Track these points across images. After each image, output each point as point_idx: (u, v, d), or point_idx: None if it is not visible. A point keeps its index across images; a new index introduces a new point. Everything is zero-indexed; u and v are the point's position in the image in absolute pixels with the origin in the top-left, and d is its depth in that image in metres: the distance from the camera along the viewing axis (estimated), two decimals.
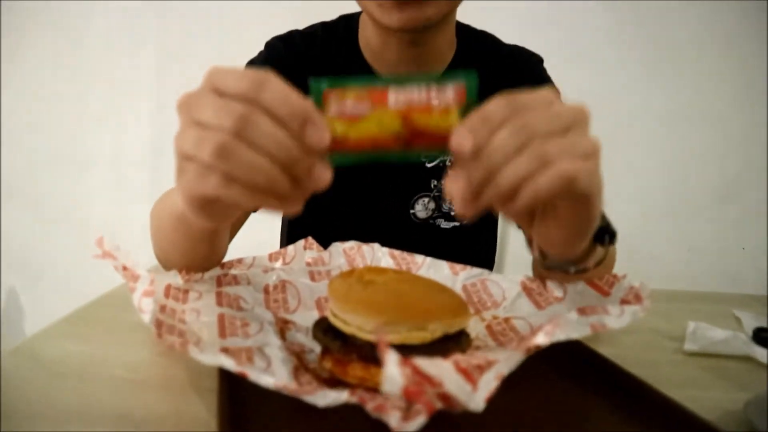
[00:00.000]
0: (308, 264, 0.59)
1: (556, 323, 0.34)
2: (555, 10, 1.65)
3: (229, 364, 0.34)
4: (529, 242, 0.51)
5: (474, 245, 0.88)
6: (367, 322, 0.39)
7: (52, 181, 1.86)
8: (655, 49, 1.67)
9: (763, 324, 0.63)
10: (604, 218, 0.48)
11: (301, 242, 0.62)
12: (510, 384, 0.37)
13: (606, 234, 0.48)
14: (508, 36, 0.86)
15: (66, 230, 1.88)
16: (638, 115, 1.70)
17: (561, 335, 0.33)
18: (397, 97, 0.35)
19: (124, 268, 0.44)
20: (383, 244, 0.64)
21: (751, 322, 0.64)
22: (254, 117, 0.32)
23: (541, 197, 0.33)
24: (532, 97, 0.35)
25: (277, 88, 0.32)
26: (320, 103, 0.35)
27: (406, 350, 0.37)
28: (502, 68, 0.79)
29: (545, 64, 0.86)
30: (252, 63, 0.78)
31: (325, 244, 0.64)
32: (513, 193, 0.33)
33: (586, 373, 0.43)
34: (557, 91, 0.84)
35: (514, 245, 1.13)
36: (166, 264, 0.59)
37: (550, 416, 0.38)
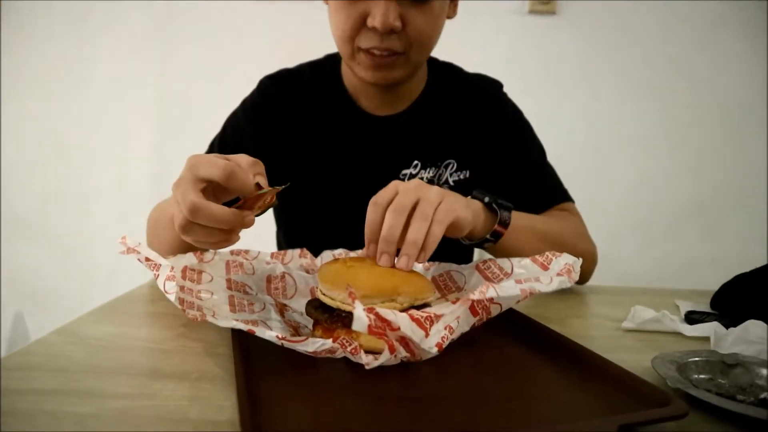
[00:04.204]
0: (302, 266, 0.69)
1: (490, 285, 0.43)
2: (537, 47, 1.80)
3: (241, 325, 0.43)
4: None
5: (449, 253, 0.98)
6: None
7: (58, 214, 1.97)
8: (627, 77, 1.81)
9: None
10: (492, 200, 0.70)
11: (297, 250, 0.72)
12: (467, 347, 0.46)
13: (493, 204, 0.70)
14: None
15: (71, 259, 1.98)
16: (612, 139, 1.83)
17: (492, 293, 0.42)
18: None
19: (147, 259, 0.53)
20: None
21: (687, 308, 0.74)
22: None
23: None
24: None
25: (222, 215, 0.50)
26: None
27: None
28: (467, 94, 0.90)
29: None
30: (245, 101, 0.90)
31: (314, 249, 0.74)
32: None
33: (534, 339, 0.52)
34: (518, 110, 0.96)
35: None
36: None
37: (504, 367, 0.47)
